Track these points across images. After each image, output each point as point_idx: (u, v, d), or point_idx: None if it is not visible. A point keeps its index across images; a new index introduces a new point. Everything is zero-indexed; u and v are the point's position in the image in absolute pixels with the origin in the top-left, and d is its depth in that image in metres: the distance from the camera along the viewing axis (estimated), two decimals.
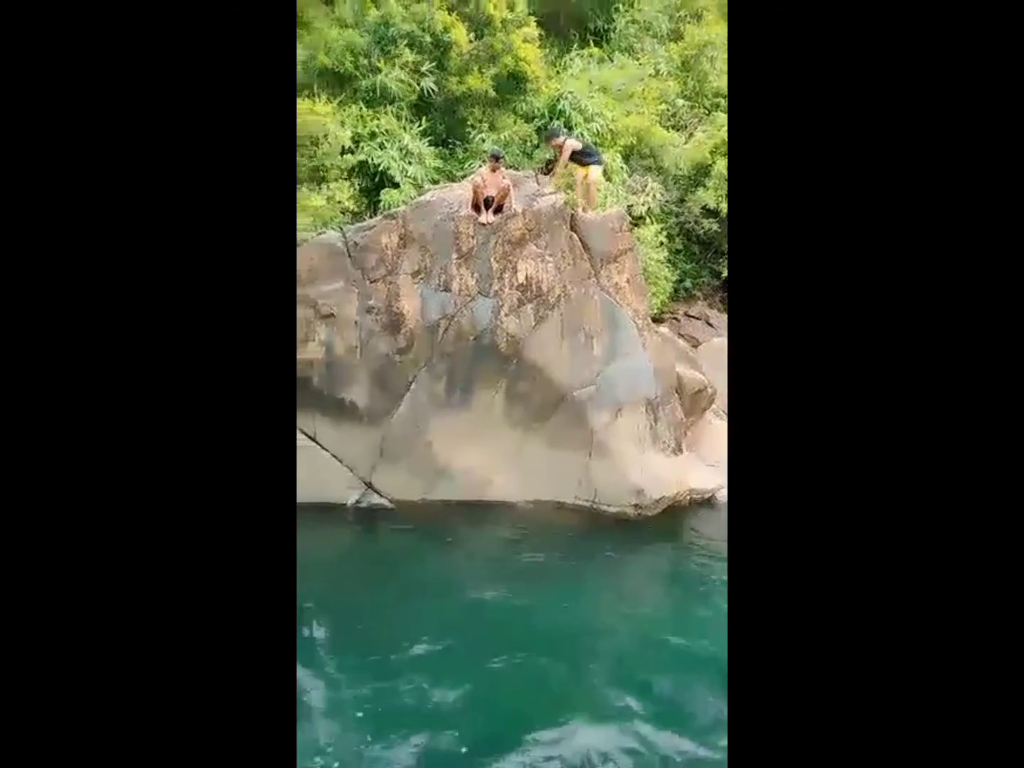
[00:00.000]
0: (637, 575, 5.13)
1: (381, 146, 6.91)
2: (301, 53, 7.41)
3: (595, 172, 6.50)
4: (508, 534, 5.46)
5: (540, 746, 3.08)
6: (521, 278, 6.18)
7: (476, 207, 6.10)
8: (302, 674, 3.46)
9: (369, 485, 5.90)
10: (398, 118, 7.10)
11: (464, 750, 3.02)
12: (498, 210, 6.11)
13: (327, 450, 5.89)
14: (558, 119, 7.66)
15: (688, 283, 7.68)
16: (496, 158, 6.10)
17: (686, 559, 5.21)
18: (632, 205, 7.43)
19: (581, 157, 6.48)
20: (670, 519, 5.75)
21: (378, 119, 7.03)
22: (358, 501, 5.83)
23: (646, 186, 7.61)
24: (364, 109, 7.09)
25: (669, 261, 7.41)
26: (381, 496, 5.87)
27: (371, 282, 6.03)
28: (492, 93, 7.52)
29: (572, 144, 6.48)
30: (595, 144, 7.58)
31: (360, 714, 3.27)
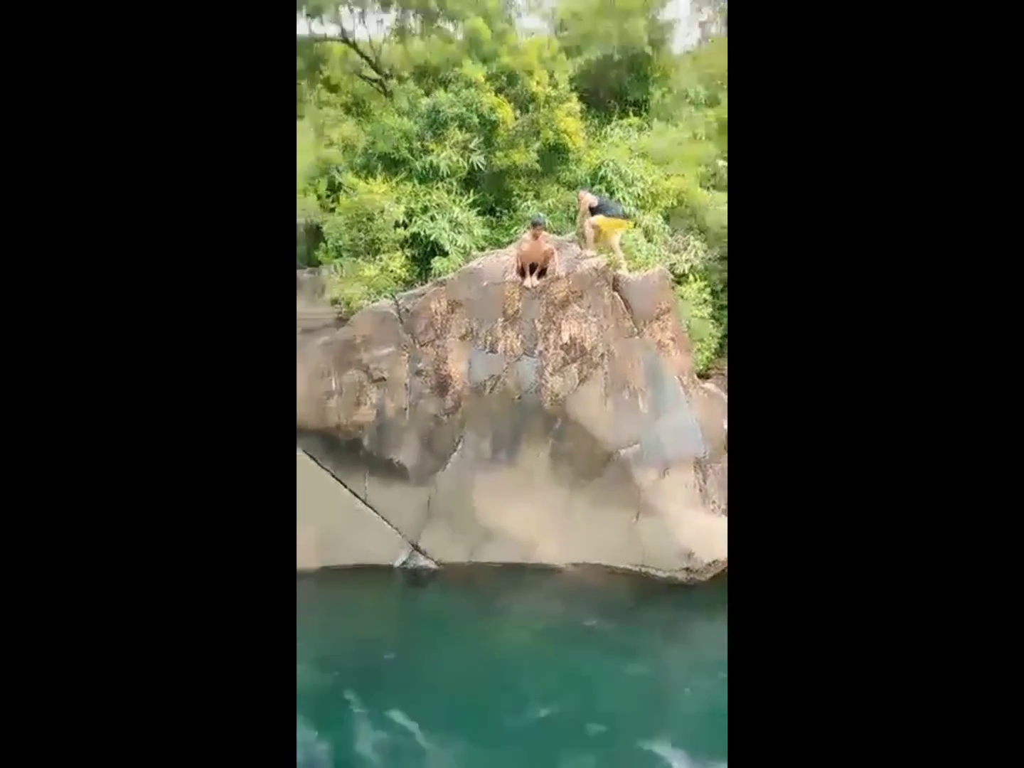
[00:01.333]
0: (692, 645, 4.88)
1: (432, 218, 7.38)
2: (361, 139, 8.15)
3: (596, 219, 6.76)
4: (554, 602, 5.33)
5: None
6: (565, 338, 6.32)
7: (521, 272, 6.37)
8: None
9: (416, 547, 5.98)
10: (448, 192, 7.60)
11: None
12: (542, 273, 6.35)
13: (376, 511, 6.05)
14: (600, 185, 7.98)
15: None
16: (536, 224, 6.39)
17: None
18: (674, 264, 7.52)
19: (596, 211, 6.80)
20: (723, 584, 5.47)
21: (430, 194, 7.54)
22: (404, 563, 5.89)
23: (688, 244, 7.71)
24: (417, 186, 7.64)
25: (713, 317, 7.38)
26: (427, 558, 5.93)
27: (421, 346, 6.33)
28: (536, 166, 7.96)
29: (589, 199, 6.83)
30: (636, 207, 7.83)
31: None
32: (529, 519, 5.87)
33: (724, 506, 6.02)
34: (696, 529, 5.72)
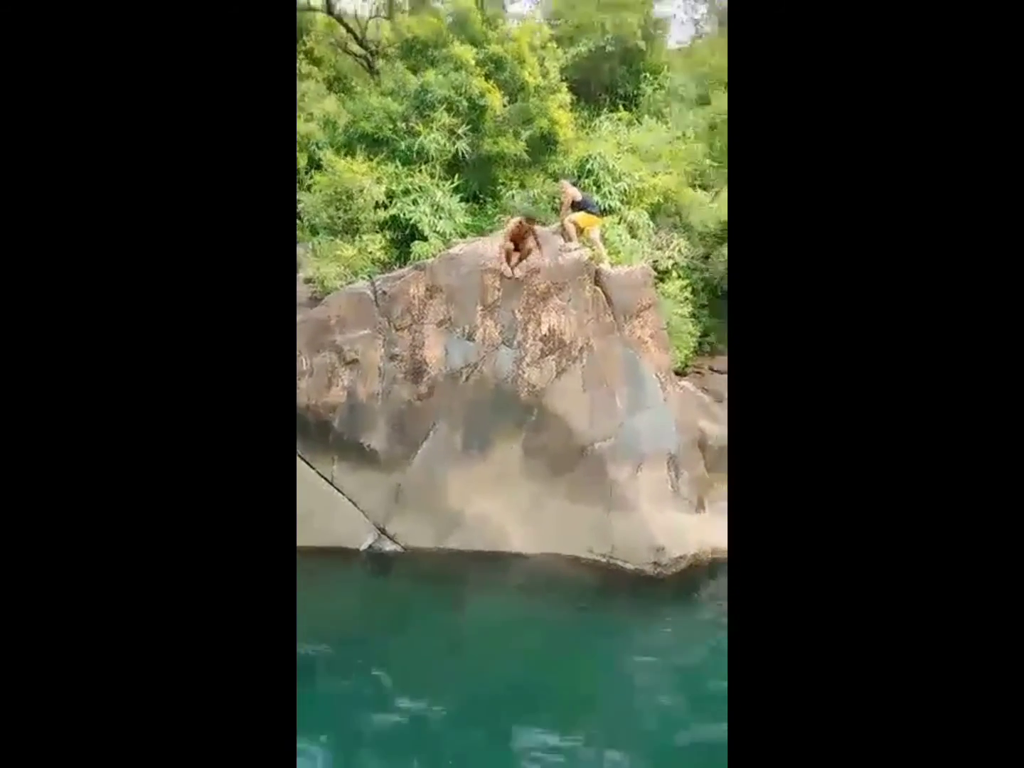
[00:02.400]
0: (650, 636, 4.89)
1: (414, 202, 7.24)
2: (343, 117, 7.95)
3: (576, 216, 6.72)
4: (520, 587, 5.33)
5: None
6: (544, 330, 6.26)
7: (507, 257, 6.23)
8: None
9: (383, 531, 5.88)
10: (432, 176, 7.46)
11: None
12: (520, 252, 6.20)
13: (344, 494, 5.92)
14: (587, 179, 7.93)
15: (713, 338, 7.65)
16: (530, 220, 6.26)
17: (702, 624, 4.96)
18: (657, 260, 7.52)
19: (578, 206, 6.77)
20: (690, 578, 5.51)
21: (412, 176, 7.39)
22: (371, 547, 5.80)
23: (671, 242, 7.71)
24: (400, 167, 7.48)
25: (693, 316, 7.41)
26: (394, 542, 5.84)
27: (397, 330, 6.19)
28: (524, 155, 7.86)
29: (573, 193, 6.79)
30: (621, 202, 7.80)
31: None
32: (500, 508, 5.83)
33: (695, 502, 6.05)
34: (666, 524, 5.73)
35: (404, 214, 7.14)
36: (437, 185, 7.43)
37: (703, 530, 5.82)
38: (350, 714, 3.66)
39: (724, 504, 6.18)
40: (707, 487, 6.24)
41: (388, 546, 5.80)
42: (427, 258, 6.62)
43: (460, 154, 7.65)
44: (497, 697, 3.90)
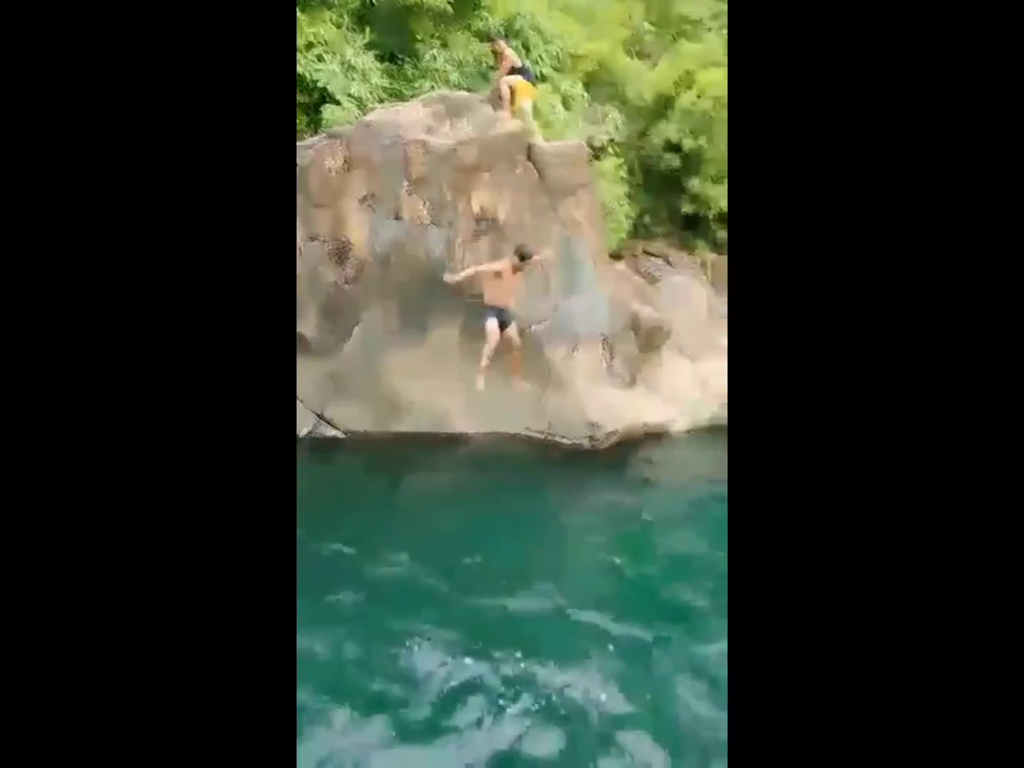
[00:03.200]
0: (591, 506, 5.21)
1: (319, 58, 6.31)
2: None
3: (513, 79, 6.18)
4: (462, 465, 5.43)
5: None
6: (476, 209, 5.90)
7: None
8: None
9: (320, 416, 5.71)
10: (337, 26, 6.47)
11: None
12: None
13: None
14: (516, 40, 7.20)
15: (648, 220, 7.56)
16: (524, 258, 4.87)
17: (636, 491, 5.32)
18: (592, 136, 7.15)
19: (516, 72, 6.23)
20: (622, 451, 5.83)
21: (315, 26, 6.38)
22: (310, 433, 5.65)
23: (606, 116, 7.33)
24: (299, 15, 6.42)
25: (628, 196, 7.24)
26: (334, 427, 5.70)
27: (315, 207, 5.63)
28: (448, 7, 6.95)
29: (512, 57, 6.21)
30: (553, 68, 7.22)
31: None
32: (439, 391, 5.77)
33: (628, 380, 6.25)
34: (600, 401, 5.92)
35: (310, 73, 6.23)
36: (345, 38, 6.47)
37: (635, 406, 6.08)
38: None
39: (655, 383, 6.50)
40: (639, 365, 6.44)
41: (329, 432, 5.66)
42: (341, 125, 5.91)
43: (370, 2, 6.64)
44: (449, 567, 4.01)
